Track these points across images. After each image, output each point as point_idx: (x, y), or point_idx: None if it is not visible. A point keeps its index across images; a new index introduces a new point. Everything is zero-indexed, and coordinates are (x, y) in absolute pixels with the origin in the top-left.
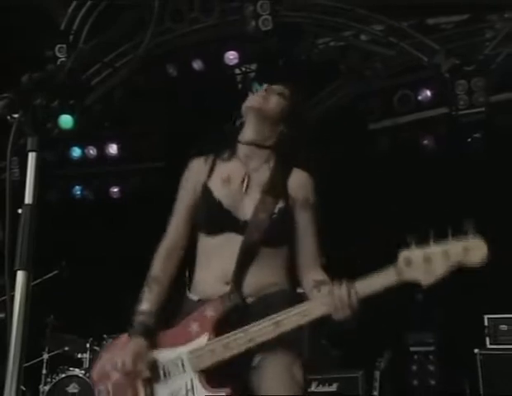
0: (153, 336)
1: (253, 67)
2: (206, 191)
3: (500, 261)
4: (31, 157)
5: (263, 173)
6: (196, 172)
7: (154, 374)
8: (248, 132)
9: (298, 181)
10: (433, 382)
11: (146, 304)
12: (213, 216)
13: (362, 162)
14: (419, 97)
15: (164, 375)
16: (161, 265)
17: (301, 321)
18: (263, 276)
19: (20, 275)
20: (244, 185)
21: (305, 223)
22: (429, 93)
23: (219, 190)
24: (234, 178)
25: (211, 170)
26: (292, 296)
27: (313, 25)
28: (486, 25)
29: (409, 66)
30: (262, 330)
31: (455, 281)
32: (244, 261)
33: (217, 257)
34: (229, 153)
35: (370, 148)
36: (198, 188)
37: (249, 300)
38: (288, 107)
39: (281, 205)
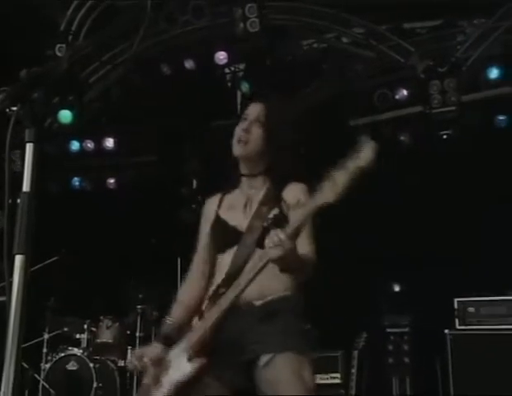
0: (171, 341)
1: (242, 66)
2: (216, 217)
3: (466, 250)
4: (29, 148)
5: (261, 192)
6: (209, 204)
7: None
8: (242, 169)
9: (292, 190)
10: (407, 360)
11: (170, 318)
12: (221, 234)
13: (343, 155)
14: (397, 96)
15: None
16: (186, 289)
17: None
18: (264, 281)
19: (18, 259)
20: (248, 206)
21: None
22: (405, 92)
23: (225, 214)
24: (238, 203)
25: (220, 201)
26: (296, 302)
27: (298, 27)
28: (458, 30)
29: (387, 67)
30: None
31: (427, 270)
32: (238, 265)
33: (224, 268)
34: (233, 185)
35: (350, 142)
36: (212, 216)
37: (256, 303)
38: (268, 130)
39: (275, 212)
